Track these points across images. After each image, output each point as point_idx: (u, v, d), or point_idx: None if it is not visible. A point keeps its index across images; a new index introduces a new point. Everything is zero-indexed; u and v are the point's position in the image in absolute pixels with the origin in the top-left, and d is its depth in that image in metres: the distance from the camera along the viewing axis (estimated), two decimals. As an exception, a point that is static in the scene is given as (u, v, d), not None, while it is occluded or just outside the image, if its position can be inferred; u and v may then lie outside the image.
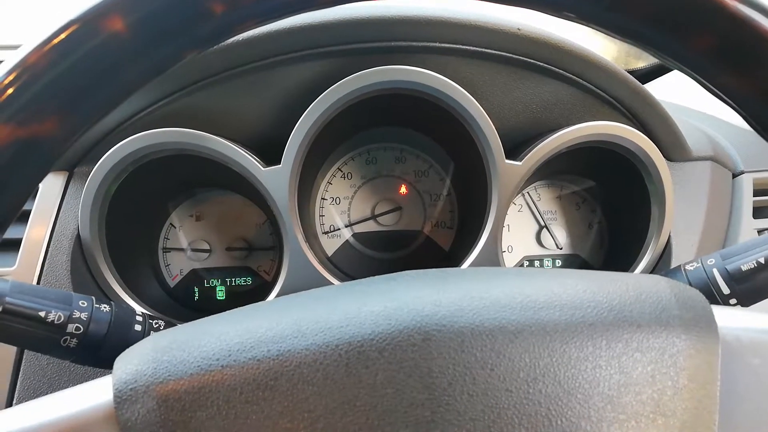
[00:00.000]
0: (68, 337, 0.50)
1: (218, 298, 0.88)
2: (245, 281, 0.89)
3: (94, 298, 0.54)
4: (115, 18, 0.29)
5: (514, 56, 0.77)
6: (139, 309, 0.70)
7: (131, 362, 0.35)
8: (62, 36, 0.29)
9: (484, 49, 0.76)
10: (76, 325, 0.50)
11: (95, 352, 0.52)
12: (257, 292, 0.88)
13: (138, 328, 0.56)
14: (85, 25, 0.29)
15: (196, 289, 0.88)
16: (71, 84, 0.29)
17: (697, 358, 0.36)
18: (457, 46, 0.76)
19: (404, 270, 0.45)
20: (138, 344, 0.37)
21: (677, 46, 0.32)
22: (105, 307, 0.54)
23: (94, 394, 0.34)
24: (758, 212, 0.88)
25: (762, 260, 0.59)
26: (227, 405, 0.33)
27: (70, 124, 0.30)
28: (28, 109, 0.28)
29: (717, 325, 0.37)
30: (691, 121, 0.97)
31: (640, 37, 0.33)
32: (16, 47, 0.98)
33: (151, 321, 0.59)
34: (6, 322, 0.47)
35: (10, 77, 0.28)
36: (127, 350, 0.37)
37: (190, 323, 0.40)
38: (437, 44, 0.76)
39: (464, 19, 0.73)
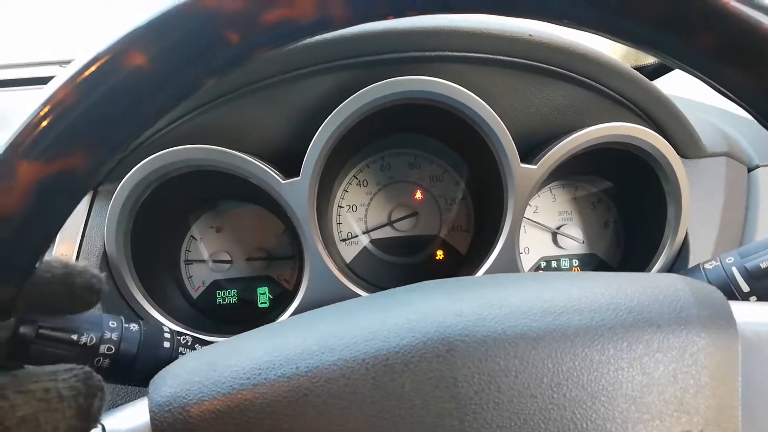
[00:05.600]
0: (101, 358, 0.51)
1: (240, 307, 0.90)
2: (266, 290, 0.90)
3: (122, 318, 0.55)
4: (136, 54, 0.30)
5: (526, 62, 0.78)
6: (165, 323, 0.71)
7: (165, 384, 0.36)
8: (86, 74, 0.30)
9: (496, 56, 0.77)
10: (108, 345, 0.51)
11: (127, 371, 0.53)
12: (279, 301, 0.90)
13: (167, 345, 0.57)
14: (108, 62, 0.30)
15: (219, 300, 0.89)
16: (96, 120, 0.30)
17: (718, 355, 0.37)
18: (470, 54, 0.77)
19: (422, 275, 0.46)
20: (169, 366, 0.38)
21: (680, 47, 0.32)
22: (134, 327, 0.55)
23: (132, 418, 0.36)
24: (775, 206, 0.87)
25: (781, 257, 0.59)
26: (260, 422, 0.34)
27: (97, 158, 0.31)
28: (55, 147, 0.29)
29: (736, 320, 0.38)
30: (704, 117, 0.96)
31: (643, 40, 0.33)
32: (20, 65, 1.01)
33: (178, 337, 0.60)
34: (40, 347, 0.48)
35: (37, 117, 0.29)
36: (159, 373, 0.38)
37: (218, 343, 0.41)
38: (450, 53, 0.76)
39: (476, 27, 0.74)
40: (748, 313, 0.39)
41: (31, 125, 0.29)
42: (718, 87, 0.34)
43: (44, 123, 0.30)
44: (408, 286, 0.44)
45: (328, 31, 0.35)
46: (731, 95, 0.34)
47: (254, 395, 0.35)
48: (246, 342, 0.39)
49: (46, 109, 0.30)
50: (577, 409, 0.35)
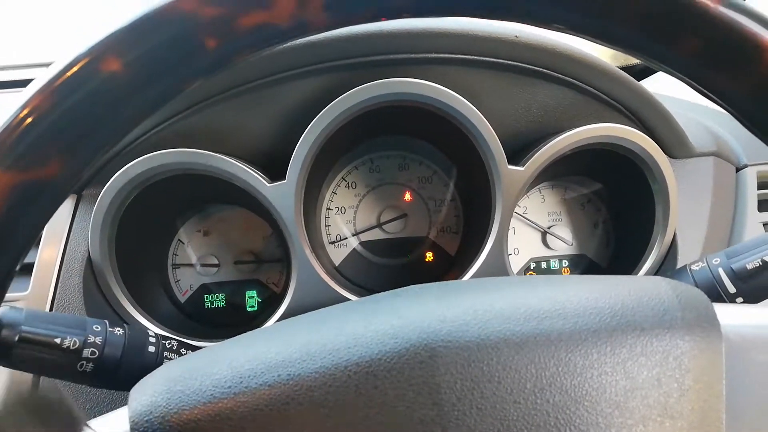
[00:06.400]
0: (84, 362, 0.51)
1: (228, 311, 0.89)
2: (255, 294, 0.90)
3: (107, 321, 0.54)
4: (111, 59, 0.30)
5: (513, 63, 0.78)
6: (152, 328, 0.71)
7: (145, 393, 0.36)
8: (60, 80, 0.29)
9: (483, 58, 0.77)
10: (92, 349, 0.51)
11: (111, 375, 0.52)
12: (267, 305, 0.89)
13: (152, 349, 0.57)
14: (83, 68, 0.29)
15: (207, 304, 0.89)
16: (72, 127, 0.29)
17: (702, 358, 0.36)
18: (457, 55, 0.77)
19: (412, 277, 0.45)
20: (151, 375, 0.38)
21: (664, 51, 0.32)
22: (118, 331, 0.54)
23: (111, 427, 0.35)
24: (763, 205, 0.87)
25: (767, 258, 0.59)
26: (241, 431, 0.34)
27: (73, 164, 0.30)
28: (30, 155, 0.29)
29: (720, 323, 0.37)
30: (693, 116, 0.97)
31: (627, 43, 0.33)
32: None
33: (164, 342, 0.59)
34: (23, 351, 0.47)
35: (13, 123, 0.29)
36: (140, 381, 0.37)
37: (199, 351, 0.40)
38: (437, 55, 0.76)
39: (462, 29, 0.73)
40: (732, 315, 0.39)
41: (5, 132, 0.29)
42: (703, 90, 0.34)
43: (18, 130, 0.29)
44: (393, 291, 0.44)
45: (307, 35, 0.34)
46: (715, 98, 0.34)
47: (235, 404, 0.34)
48: (227, 350, 0.38)
49: (21, 115, 0.29)
50: (560, 414, 0.34)
